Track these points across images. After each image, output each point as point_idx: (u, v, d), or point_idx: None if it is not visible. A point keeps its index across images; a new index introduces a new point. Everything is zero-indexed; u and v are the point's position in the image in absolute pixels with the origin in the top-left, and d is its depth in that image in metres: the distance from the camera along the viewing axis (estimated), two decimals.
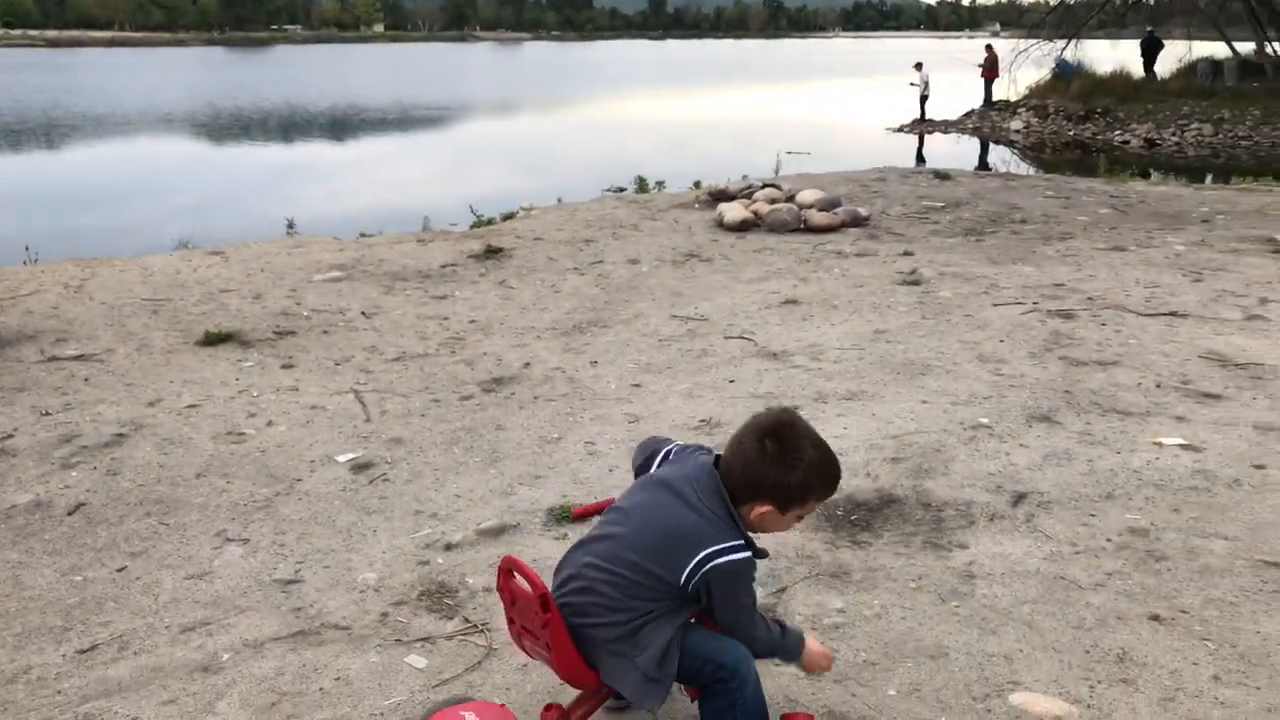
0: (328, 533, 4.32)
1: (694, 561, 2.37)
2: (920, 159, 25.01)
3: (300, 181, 21.17)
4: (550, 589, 2.48)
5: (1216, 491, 4.50)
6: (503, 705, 2.82)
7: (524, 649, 2.66)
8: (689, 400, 5.76)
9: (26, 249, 9.78)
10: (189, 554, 4.15)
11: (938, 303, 7.56)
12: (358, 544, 4.23)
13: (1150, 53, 30.43)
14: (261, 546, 4.20)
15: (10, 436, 5.28)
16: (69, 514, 4.46)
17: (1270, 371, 5.98)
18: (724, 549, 2.39)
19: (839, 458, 4.68)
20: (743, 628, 2.51)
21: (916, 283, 8.12)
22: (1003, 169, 21.22)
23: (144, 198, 18.52)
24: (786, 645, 2.65)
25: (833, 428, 5.31)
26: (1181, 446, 4.96)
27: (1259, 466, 4.73)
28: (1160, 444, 5.00)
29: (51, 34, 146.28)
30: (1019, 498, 4.51)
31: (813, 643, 2.76)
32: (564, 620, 2.44)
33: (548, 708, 2.64)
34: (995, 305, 7.41)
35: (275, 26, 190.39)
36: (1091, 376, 5.95)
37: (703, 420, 5.44)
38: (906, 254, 9.15)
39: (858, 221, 10.40)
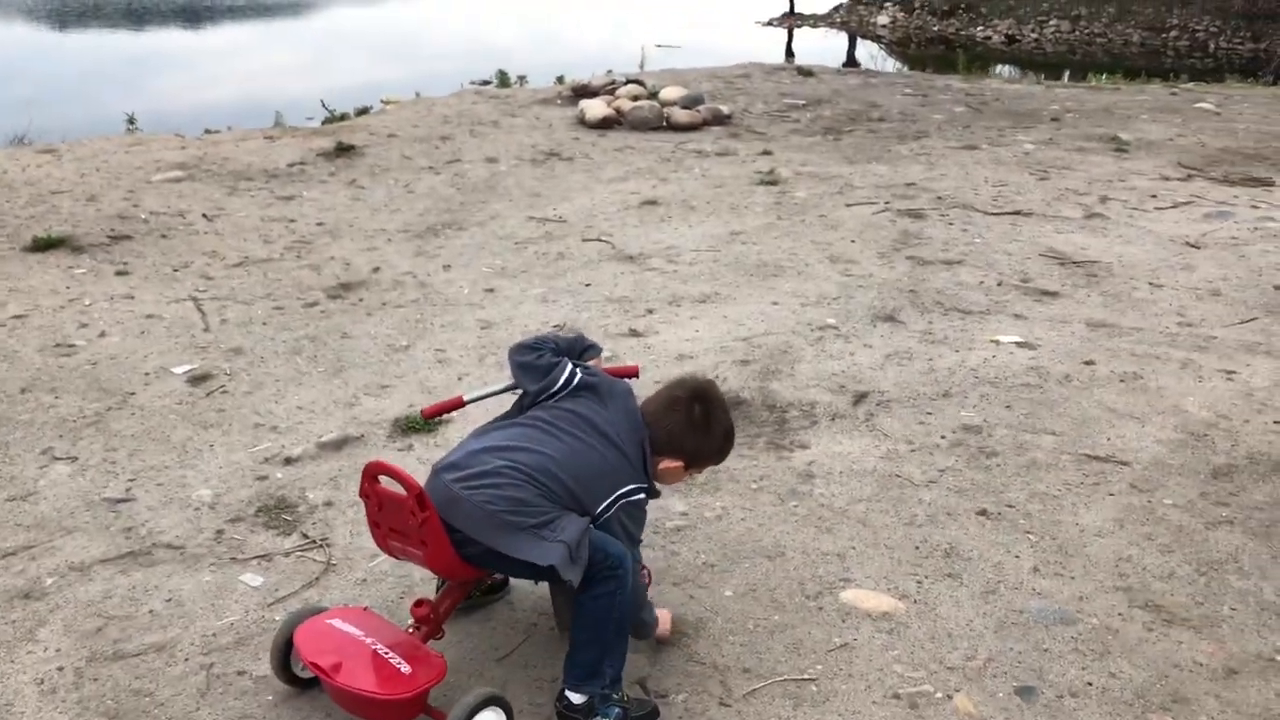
0: (161, 449, 4.17)
1: (611, 498, 2.64)
2: (789, 54, 24.99)
3: (147, 73, 20.02)
4: (441, 477, 2.59)
5: (1048, 388, 4.68)
6: (365, 608, 2.81)
7: (390, 550, 2.70)
8: (543, 305, 5.70)
9: None
10: (11, 474, 3.96)
11: (794, 203, 7.61)
12: (193, 460, 4.10)
13: None
14: (91, 465, 4.04)
15: None
16: None
17: (1105, 269, 6.21)
18: (634, 489, 2.69)
19: (690, 360, 4.75)
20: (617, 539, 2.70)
21: (774, 183, 8.14)
22: (869, 65, 21.36)
23: None
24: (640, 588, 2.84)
25: (685, 330, 5.33)
26: (1018, 344, 5.14)
27: (1088, 363, 4.93)
28: (997, 342, 5.16)
29: None
30: (860, 397, 4.62)
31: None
32: (441, 516, 2.51)
33: (418, 603, 2.70)
34: (849, 205, 7.50)
35: None
36: (936, 276, 6.09)
37: (555, 325, 5.39)
38: (766, 153, 9.16)
39: (720, 120, 10.35)
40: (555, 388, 2.78)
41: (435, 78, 15.76)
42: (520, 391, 2.88)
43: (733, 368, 4.89)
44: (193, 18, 30.42)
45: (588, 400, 2.77)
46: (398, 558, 2.69)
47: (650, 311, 5.61)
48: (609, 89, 11.21)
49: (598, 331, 5.30)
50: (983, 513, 3.72)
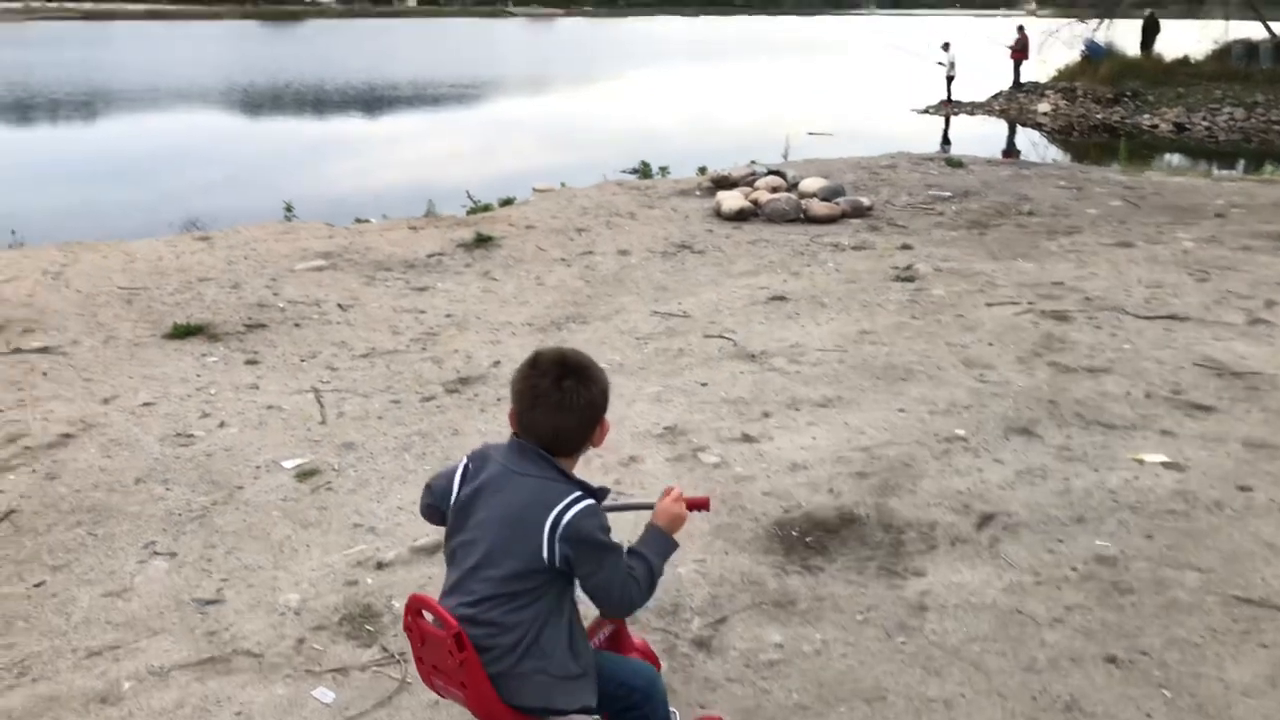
0: (259, 547, 4.16)
1: (545, 531, 2.23)
2: (946, 141, 24.56)
3: (314, 159, 21.01)
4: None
5: (1195, 516, 4.26)
6: None
7: (434, 688, 2.50)
8: (656, 404, 5.55)
9: (13, 233, 9.67)
10: (112, 568, 4.00)
11: (930, 301, 7.30)
12: (287, 560, 4.07)
13: (1149, 34, 29.77)
14: (188, 561, 4.05)
15: None
16: None
17: (1268, 382, 5.70)
18: (566, 505, 2.24)
19: (804, 471, 4.50)
20: (617, 583, 2.30)
21: (911, 279, 7.86)
22: (1030, 154, 20.81)
23: (162, 174, 18.37)
24: (659, 563, 2.41)
25: (801, 437, 5.10)
26: (1164, 464, 4.72)
27: (1244, 488, 4.48)
28: (1142, 461, 4.76)
29: (88, 5, 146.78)
30: (985, 519, 4.29)
31: (666, 509, 2.48)
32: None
33: None
34: (989, 305, 7.15)
35: (309, 1, 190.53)
36: (1079, 384, 5.70)
37: (667, 427, 5.23)
38: (905, 248, 8.88)
39: (860, 211, 10.12)
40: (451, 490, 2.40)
41: (591, 165, 16.02)
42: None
43: (848, 480, 4.62)
44: (371, 106, 31.97)
45: (472, 478, 2.37)
46: (443, 696, 2.52)
47: (767, 415, 5.40)
48: (748, 180, 11.14)
49: (709, 434, 5.12)
50: (1112, 660, 3.35)
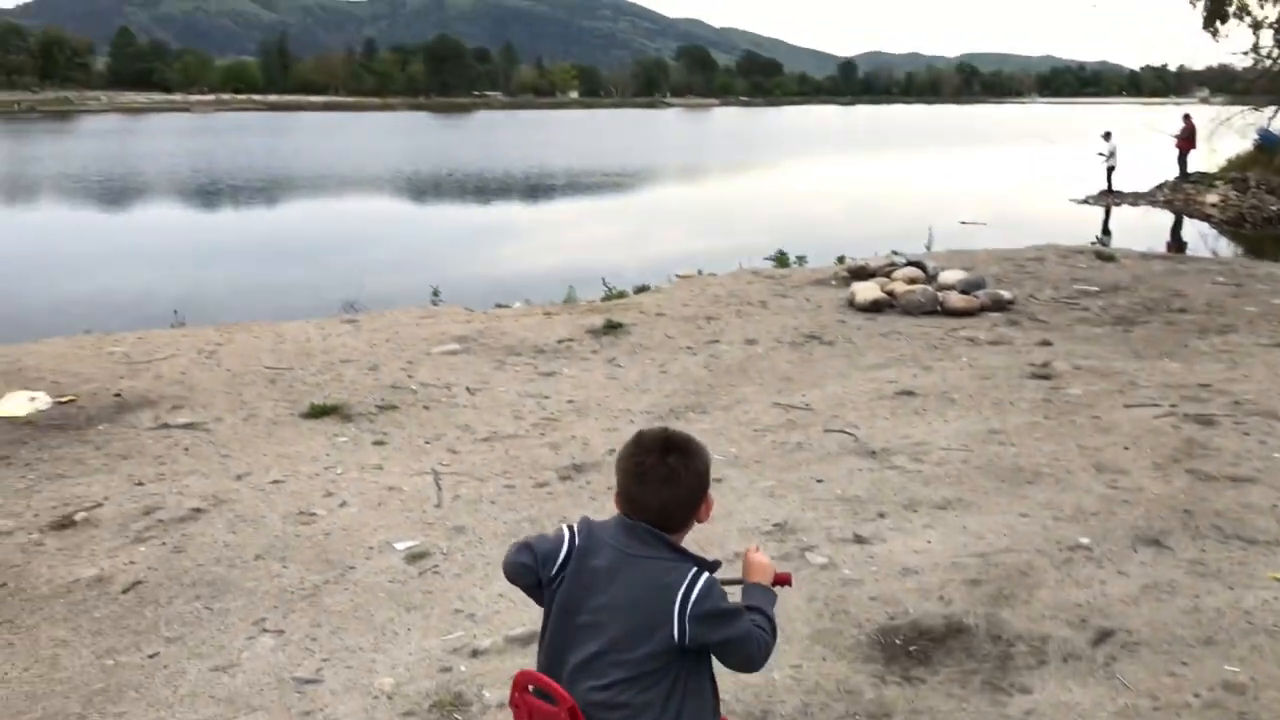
0: (362, 628, 4.25)
1: (675, 614, 2.27)
2: (1105, 232, 23.85)
3: (469, 243, 21.81)
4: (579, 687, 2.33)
5: None
6: None
7: None
8: (768, 500, 5.48)
9: (175, 313, 10.29)
10: (222, 643, 4.14)
11: (1065, 401, 7.03)
12: (387, 644, 4.14)
13: None
14: (293, 640, 4.16)
15: (99, 505, 5.45)
16: (124, 591, 4.54)
17: None
18: (689, 585, 2.28)
19: (914, 576, 4.37)
20: (753, 641, 2.36)
21: (1047, 377, 7.59)
22: (1198, 247, 20.05)
23: (328, 256, 19.35)
24: (771, 612, 2.46)
25: (916, 540, 4.94)
26: None
27: None
28: None
29: (273, 97, 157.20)
30: (1103, 636, 4.06)
31: (756, 563, 2.56)
32: None
33: None
34: (1127, 407, 6.83)
35: (477, 93, 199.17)
36: (1220, 495, 5.37)
37: (776, 524, 5.15)
38: (1044, 344, 8.61)
39: (1000, 305, 9.88)
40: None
41: (735, 251, 16.15)
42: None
43: (960, 588, 4.45)
44: (529, 193, 33.10)
45: (584, 565, 2.38)
46: None
47: (882, 515, 5.26)
48: (886, 270, 11.02)
49: (819, 534, 5.02)
50: None
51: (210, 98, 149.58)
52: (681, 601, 2.25)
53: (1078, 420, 6.63)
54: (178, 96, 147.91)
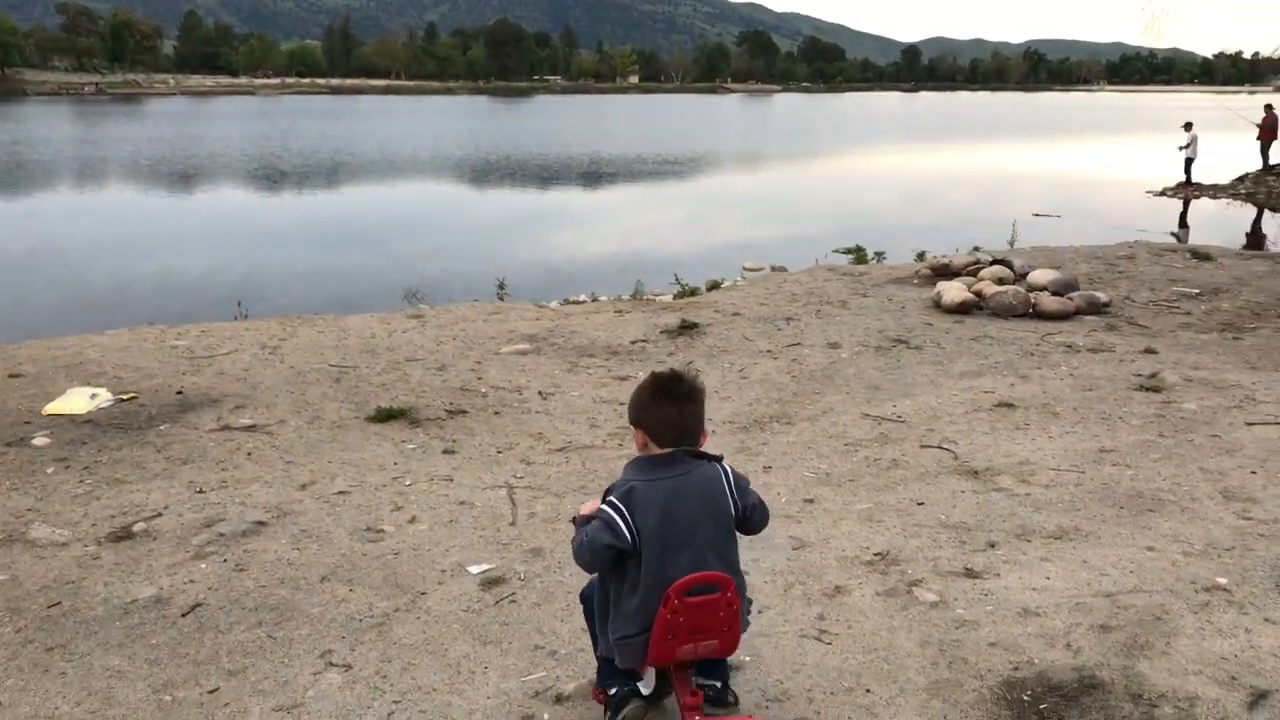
0: (436, 665, 3.93)
1: (730, 498, 3.10)
2: (1183, 225, 23.01)
3: (532, 229, 21.54)
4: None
5: None
6: None
7: (677, 656, 3.02)
8: (866, 525, 5.08)
9: (239, 304, 10.08)
10: (286, 678, 3.84)
11: (1180, 417, 6.54)
12: (463, 683, 3.81)
13: None
14: (362, 677, 3.85)
15: (159, 515, 5.20)
16: (183, 615, 4.26)
17: None
18: (725, 473, 3.12)
19: (1036, 618, 3.95)
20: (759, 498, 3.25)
21: (1157, 389, 7.09)
22: (1276, 241, 19.20)
23: (391, 241, 19.18)
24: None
25: (1033, 575, 4.52)
26: None
27: None
28: None
29: (335, 81, 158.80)
30: (1259, 697, 3.62)
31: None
32: None
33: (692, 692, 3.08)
34: (1250, 424, 6.33)
35: (537, 77, 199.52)
36: None
37: (877, 554, 4.75)
38: (1149, 351, 8.08)
39: (1095, 308, 9.35)
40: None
41: (802, 242, 15.75)
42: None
43: (1089, 634, 4.02)
44: (590, 179, 32.79)
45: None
46: (680, 661, 3.05)
47: (992, 545, 4.84)
48: (971, 269, 10.53)
49: (925, 565, 4.61)
50: None
51: (275, 81, 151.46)
52: (728, 486, 3.08)
53: (1196, 439, 6.15)
54: (243, 79, 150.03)
